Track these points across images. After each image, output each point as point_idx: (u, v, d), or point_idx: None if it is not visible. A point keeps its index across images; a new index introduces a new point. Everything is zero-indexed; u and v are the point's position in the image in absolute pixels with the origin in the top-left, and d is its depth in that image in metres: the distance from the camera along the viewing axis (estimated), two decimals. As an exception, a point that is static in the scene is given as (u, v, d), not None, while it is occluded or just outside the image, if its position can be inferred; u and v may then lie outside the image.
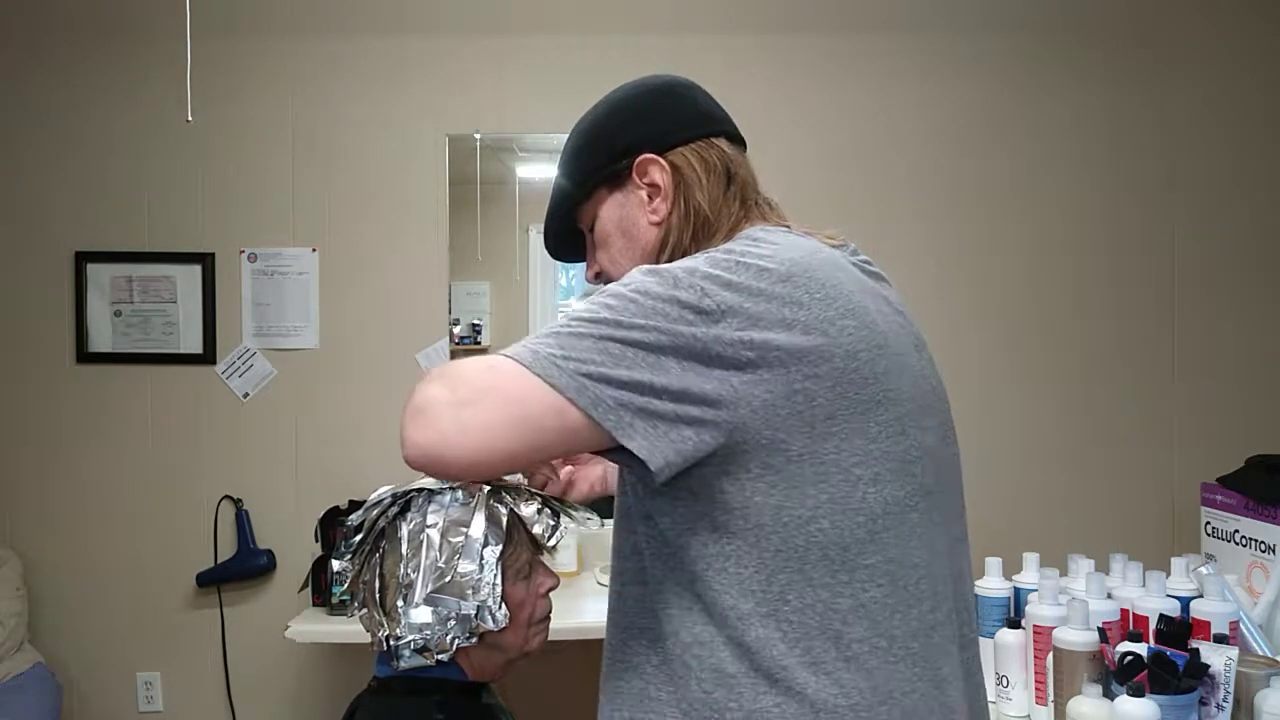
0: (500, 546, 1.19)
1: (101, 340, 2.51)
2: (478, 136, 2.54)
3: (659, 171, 0.94)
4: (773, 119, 2.47)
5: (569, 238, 1.06)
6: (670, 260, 0.91)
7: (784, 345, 0.77)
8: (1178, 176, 2.56)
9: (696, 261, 0.81)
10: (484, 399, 0.76)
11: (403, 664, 1.18)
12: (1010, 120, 2.56)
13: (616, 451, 0.78)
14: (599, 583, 2.36)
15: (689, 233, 0.93)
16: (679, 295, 0.78)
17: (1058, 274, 2.55)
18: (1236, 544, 1.67)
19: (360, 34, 2.52)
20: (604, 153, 0.97)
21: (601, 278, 1.01)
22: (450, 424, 0.75)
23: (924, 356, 0.92)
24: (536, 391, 0.75)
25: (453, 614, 1.16)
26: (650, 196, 0.95)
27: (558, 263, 2.71)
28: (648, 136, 0.95)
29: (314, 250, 2.52)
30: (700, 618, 0.82)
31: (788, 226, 0.94)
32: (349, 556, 1.26)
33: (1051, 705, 1.38)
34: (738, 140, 0.99)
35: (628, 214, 0.97)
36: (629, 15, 2.54)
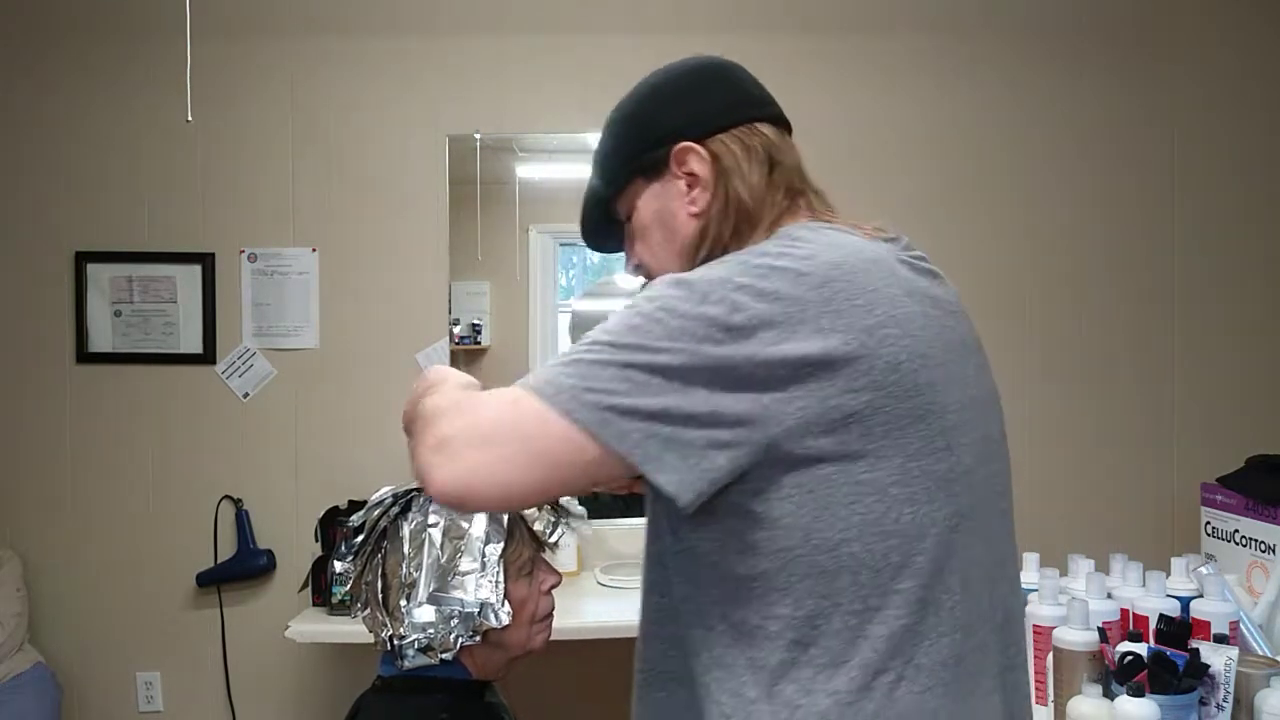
0: (502, 544, 1.19)
1: (101, 340, 2.51)
2: (478, 136, 2.54)
3: (698, 161, 0.89)
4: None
5: (606, 227, 1.00)
6: (709, 255, 0.88)
7: (819, 358, 0.73)
8: (1178, 176, 2.56)
9: (729, 269, 0.77)
10: (504, 436, 0.74)
11: (407, 663, 1.18)
12: (1010, 120, 2.55)
13: (645, 479, 0.75)
14: (599, 583, 2.36)
15: (729, 226, 0.88)
16: (707, 311, 0.74)
17: (1058, 274, 2.55)
18: (1236, 544, 1.67)
19: (360, 34, 2.52)
20: (640, 141, 0.92)
21: (641, 270, 0.97)
22: (473, 462, 0.73)
23: (975, 362, 0.86)
24: (557, 427, 0.73)
25: (456, 612, 1.16)
26: (689, 187, 0.90)
27: (558, 263, 2.71)
28: (686, 123, 0.90)
29: (314, 250, 2.52)
30: (724, 639, 0.79)
31: (830, 221, 0.88)
32: (351, 557, 1.26)
33: (1051, 705, 1.37)
34: (782, 123, 0.94)
35: (666, 205, 0.92)
36: (629, 15, 2.54)
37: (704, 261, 0.86)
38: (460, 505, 0.77)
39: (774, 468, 0.74)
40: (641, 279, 0.98)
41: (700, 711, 0.81)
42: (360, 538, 1.25)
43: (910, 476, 0.75)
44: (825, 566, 0.75)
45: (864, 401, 0.73)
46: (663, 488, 0.73)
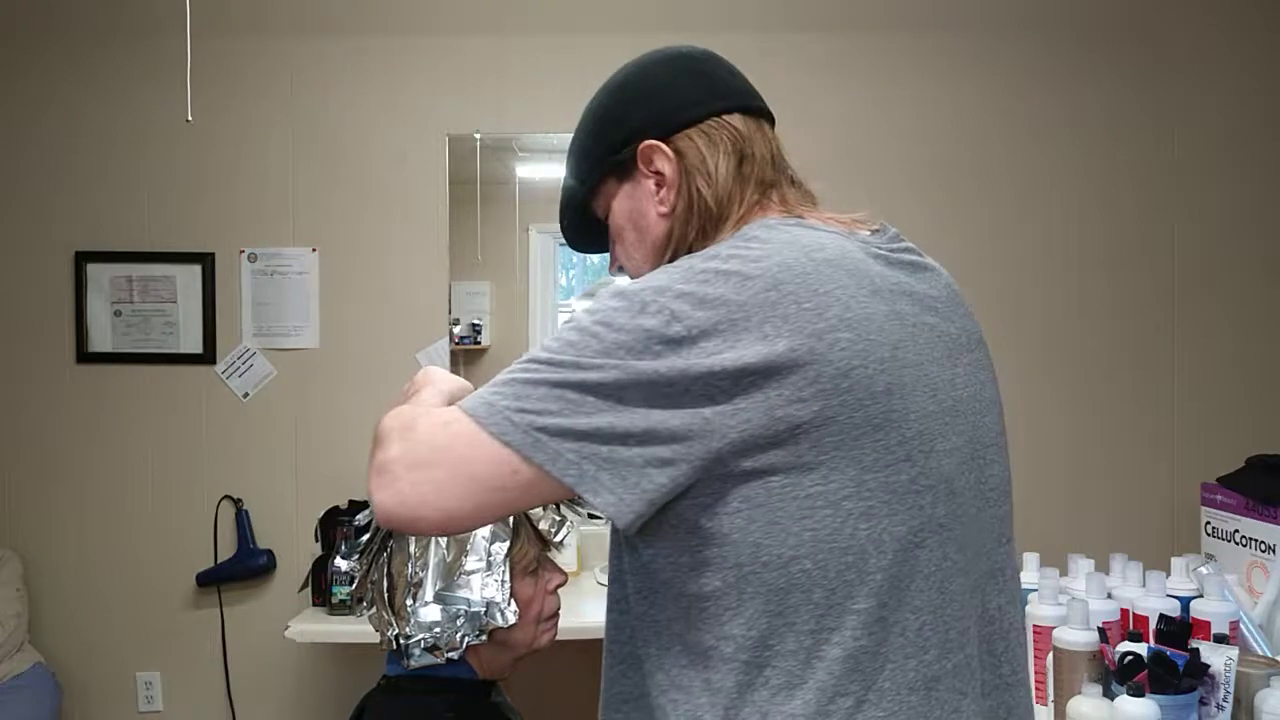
0: (508, 543, 1.19)
1: (101, 340, 2.51)
2: (478, 136, 2.54)
3: (663, 159, 0.86)
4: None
5: (587, 229, 0.98)
6: (675, 255, 0.85)
7: (762, 367, 0.69)
8: (1178, 176, 2.56)
9: (671, 276, 0.74)
10: (438, 459, 0.73)
11: (413, 663, 1.18)
12: (1010, 120, 2.56)
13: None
14: (599, 583, 2.36)
15: (694, 226, 0.86)
16: (644, 323, 0.71)
17: (1058, 273, 2.55)
18: (1236, 544, 1.67)
19: (360, 34, 2.52)
20: (607, 141, 0.90)
21: (623, 271, 0.95)
22: (407, 486, 0.73)
23: (963, 361, 0.82)
24: (488, 449, 0.72)
25: (462, 612, 1.16)
26: (658, 186, 0.88)
27: (558, 263, 2.71)
28: (651, 120, 0.87)
29: (314, 250, 2.52)
30: (680, 659, 0.77)
31: (803, 214, 0.86)
32: (356, 556, 1.26)
33: (1051, 705, 1.38)
34: (755, 113, 0.90)
35: (637, 205, 0.89)
36: (629, 15, 2.54)
37: (673, 260, 0.84)
38: (403, 529, 0.77)
39: (721, 481, 0.72)
40: (625, 278, 0.96)
41: None
42: (366, 537, 1.25)
43: (866, 489, 0.71)
44: (776, 584, 0.72)
45: (813, 411, 0.70)
46: (600, 510, 0.72)
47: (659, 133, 0.87)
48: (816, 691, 0.72)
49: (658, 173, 0.87)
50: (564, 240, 1.02)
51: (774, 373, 0.70)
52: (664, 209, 0.87)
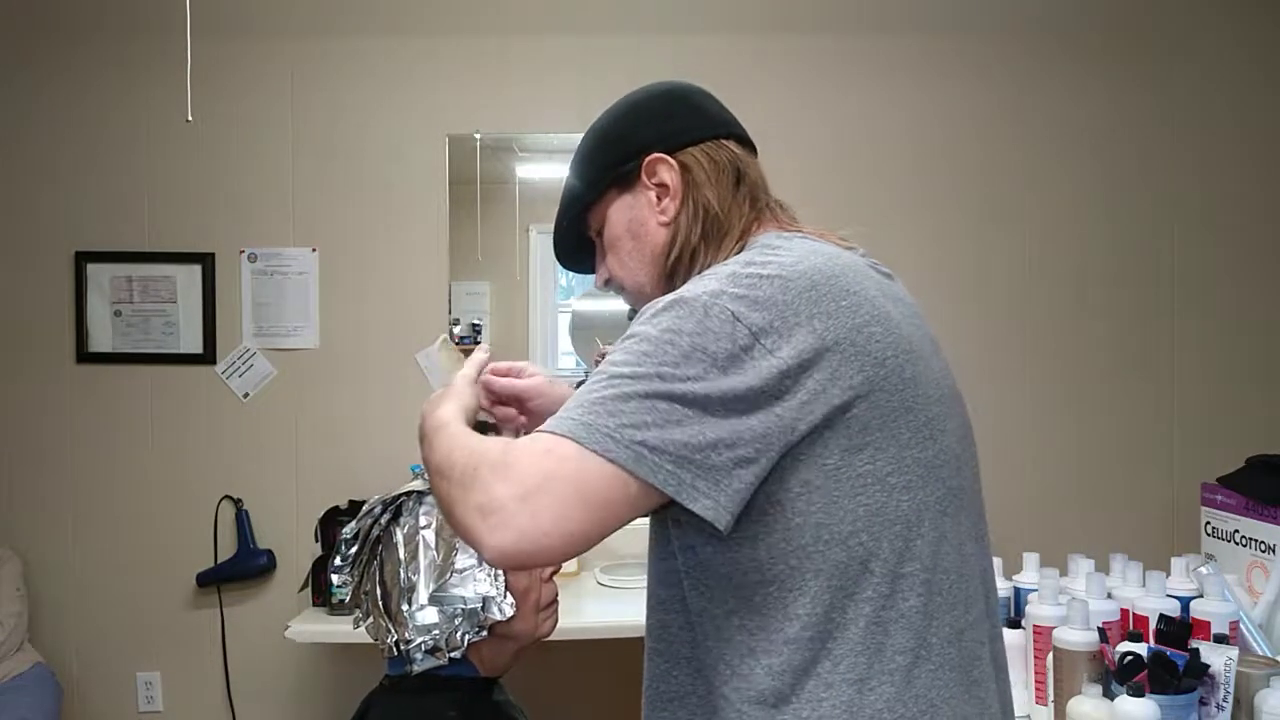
0: None
1: (101, 340, 2.51)
2: (478, 136, 2.54)
3: (668, 171, 0.94)
4: (773, 118, 2.47)
5: (578, 243, 1.04)
6: (678, 259, 0.92)
7: (816, 359, 0.76)
8: (1178, 176, 2.56)
9: (719, 282, 0.80)
10: (549, 487, 0.74)
11: (416, 667, 1.18)
12: (1009, 120, 2.56)
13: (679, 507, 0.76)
14: (599, 583, 2.36)
15: (698, 231, 0.92)
16: (711, 326, 0.76)
17: (1058, 273, 2.55)
18: (1236, 544, 1.67)
19: (360, 34, 2.52)
20: (615, 154, 0.97)
21: (612, 284, 1.01)
22: (525, 520, 0.73)
23: (940, 359, 0.91)
24: (597, 468, 0.74)
25: (459, 610, 1.17)
26: (659, 197, 0.94)
27: (558, 263, 2.70)
28: (657, 137, 0.95)
29: (314, 250, 2.52)
30: (741, 649, 0.81)
31: (800, 230, 0.93)
32: (348, 569, 1.26)
33: (1051, 705, 1.38)
34: (748, 144, 0.99)
35: (637, 215, 0.96)
36: (629, 15, 2.54)
37: (674, 266, 0.93)
38: (526, 564, 0.80)
39: (783, 468, 0.77)
40: (612, 293, 1.02)
41: None
42: (354, 549, 1.25)
43: (904, 465, 0.80)
44: (838, 560, 0.78)
45: (859, 396, 0.77)
46: (701, 515, 0.75)
47: (664, 148, 0.94)
48: (877, 653, 0.78)
49: (660, 184, 0.94)
50: (555, 256, 1.07)
51: (825, 362, 0.77)
52: (665, 218, 0.94)
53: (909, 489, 0.80)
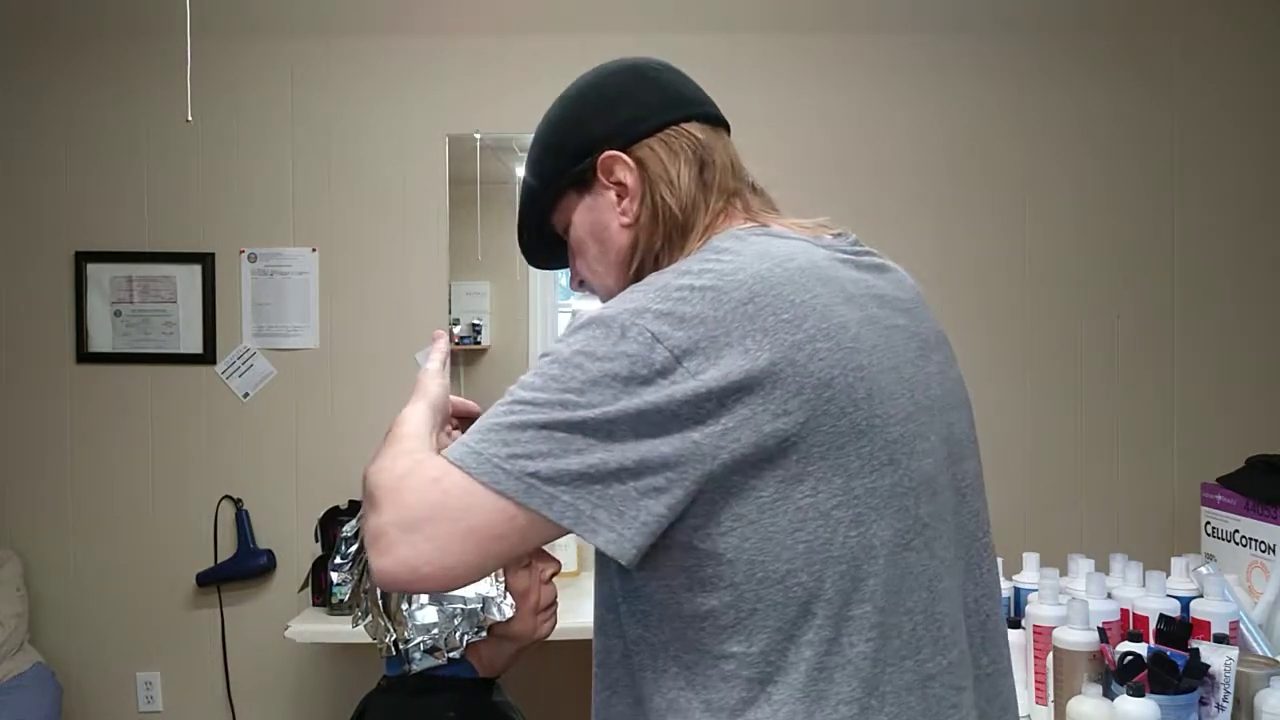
0: None
1: (101, 340, 2.51)
2: (478, 136, 2.54)
3: (624, 169, 0.86)
4: (773, 118, 2.47)
5: (547, 245, 0.97)
6: (641, 265, 0.86)
7: (746, 382, 0.69)
8: (1178, 175, 2.56)
9: (647, 296, 0.73)
10: (432, 517, 0.71)
11: (415, 666, 1.18)
12: (1009, 120, 2.55)
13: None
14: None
15: (660, 235, 0.85)
16: (626, 349, 0.70)
17: (1058, 273, 2.55)
18: (1236, 544, 1.67)
19: (360, 34, 2.52)
20: (566, 154, 0.89)
21: (585, 286, 0.94)
22: (406, 549, 0.71)
23: (934, 360, 0.83)
24: (483, 500, 0.70)
25: (459, 610, 1.17)
26: (619, 197, 0.86)
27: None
28: (610, 131, 0.87)
29: (314, 250, 2.52)
30: (677, 681, 0.76)
31: (768, 222, 0.85)
32: (347, 566, 1.26)
33: (1051, 705, 1.38)
34: (715, 121, 0.90)
35: (598, 217, 0.88)
36: (629, 15, 2.54)
37: (639, 270, 0.85)
38: (408, 590, 0.76)
39: (713, 502, 0.71)
40: (588, 294, 0.96)
41: None
42: (355, 547, 1.25)
43: (853, 496, 0.72)
44: (774, 599, 0.72)
45: (799, 423, 0.70)
46: (603, 549, 0.71)
47: (618, 143, 0.86)
48: (818, 701, 0.72)
49: (619, 183, 0.86)
50: (523, 256, 1.00)
51: (758, 387, 0.70)
52: (626, 220, 0.86)
53: (859, 523, 0.72)
